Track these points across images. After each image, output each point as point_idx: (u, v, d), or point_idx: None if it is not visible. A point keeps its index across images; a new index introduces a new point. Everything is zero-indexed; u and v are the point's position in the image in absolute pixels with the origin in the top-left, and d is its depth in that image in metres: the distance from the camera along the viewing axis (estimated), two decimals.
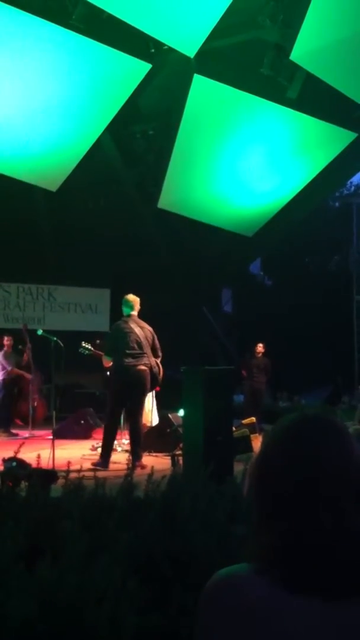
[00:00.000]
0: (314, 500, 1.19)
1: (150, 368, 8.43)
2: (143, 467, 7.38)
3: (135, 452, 8.14)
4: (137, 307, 8.67)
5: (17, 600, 2.45)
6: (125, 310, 8.72)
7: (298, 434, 1.26)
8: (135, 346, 8.35)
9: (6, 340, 12.49)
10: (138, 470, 5.86)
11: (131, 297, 8.76)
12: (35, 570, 2.68)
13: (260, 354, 13.09)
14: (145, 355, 8.39)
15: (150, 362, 8.44)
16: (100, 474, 4.51)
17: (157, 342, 8.64)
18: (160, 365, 8.62)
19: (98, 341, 11.29)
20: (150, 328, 8.63)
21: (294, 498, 1.20)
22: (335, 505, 1.18)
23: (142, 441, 8.58)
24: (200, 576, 1.29)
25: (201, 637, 1.23)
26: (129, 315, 8.61)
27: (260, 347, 13.06)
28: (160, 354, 8.65)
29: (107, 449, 8.36)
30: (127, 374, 8.31)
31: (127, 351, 8.31)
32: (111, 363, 8.57)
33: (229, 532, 3.11)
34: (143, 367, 8.37)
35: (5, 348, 12.49)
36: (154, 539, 3.04)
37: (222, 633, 1.18)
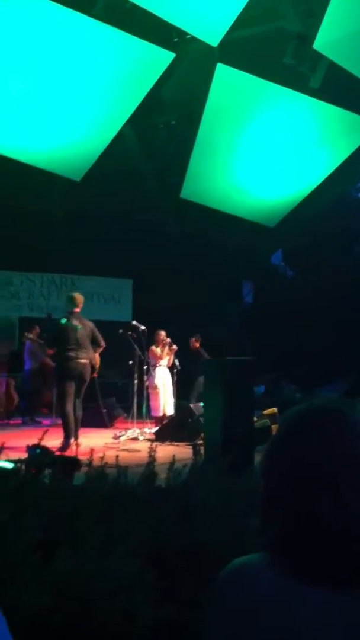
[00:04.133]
0: (317, 489, 1.20)
1: (90, 360, 9.37)
2: (79, 445, 8.44)
3: (74, 432, 9.13)
4: (81, 305, 9.59)
5: (32, 592, 2.48)
6: (70, 306, 9.59)
7: (303, 423, 1.29)
8: (77, 341, 9.26)
9: (36, 330, 12.62)
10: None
11: (77, 295, 9.70)
12: (53, 560, 2.71)
13: None
14: (85, 349, 9.32)
15: (89, 355, 9.38)
16: (122, 461, 4.56)
17: (97, 334, 9.60)
18: (98, 357, 9.59)
19: (121, 330, 11.37)
20: (90, 323, 9.60)
21: (297, 487, 1.22)
22: (337, 495, 1.20)
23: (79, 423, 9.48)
24: (215, 569, 1.32)
25: (213, 625, 1.26)
26: (72, 312, 9.49)
27: None
28: (102, 343, 9.60)
29: (67, 432, 9.10)
30: (69, 366, 9.20)
31: (69, 346, 9.21)
32: (53, 351, 9.63)
33: (244, 524, 3.13)
34: (83, 361, 9.28)
35: (34, 338, 12.62)
36: (169, 531, 3.06)
37: (233, 622, 1.21)
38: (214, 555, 2.83)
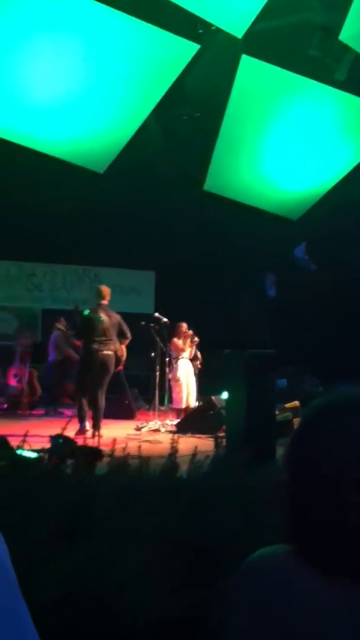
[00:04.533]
0: (324, 486, 1.20)
1: (115, 352, 9.70)
2: (101, 436, 8.80)
3: (96, 423, 9.42)
4: (108, 297, 9.94)
5: (44, 585, 2.49)
6: (96, 298, 10.03)
7: (314, 418, 1.28)
8: (101, 333, 9.56)
9: (62, 322, 12.72)
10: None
11: (103, 288, 10.12)
12: (66, 553, 2.72)
13: None
14: (111, 341, 9.63)
15: (115, 347, 9.70)
16: (144, 453, 4.59)
17: (124, 327, 9.91)
18: (124, 349, 9.91)
19: (143, 323, 11.41)
20: (117, 316, 9.91)
21: (309, 482, 1.22)
22: (343, 493, 1.18)
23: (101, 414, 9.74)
24: (232, 561, 1.33)
25: (234, 617, 1.27)
26: (99, 304, 9.84)
27: None
28: (129, 335, 9.94)
29: (81, 416, 9.66)
30: (94, 357, 9.53)
31: (96, 338, 9.54)
32: (80, 343, 10.11)
33: (263, 516, 3.12)
34: (108, 352, 9.61)
35: (64, 329, 12.72)
36: (182, 525, 3.06)
37: (255, 614, 1.21)
38: (232, 547, 2.82)
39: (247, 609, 1.22)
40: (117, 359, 9.80)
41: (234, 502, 3.39)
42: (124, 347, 9.94)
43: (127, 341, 9.95)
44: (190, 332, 11.81)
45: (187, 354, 11.79)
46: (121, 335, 9.84)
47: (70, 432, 6.16)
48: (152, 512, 3.23)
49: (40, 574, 2.60)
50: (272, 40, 10.95)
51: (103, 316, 9.64)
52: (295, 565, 1.21)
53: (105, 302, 9.89)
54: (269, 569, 1.23)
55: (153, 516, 3.15)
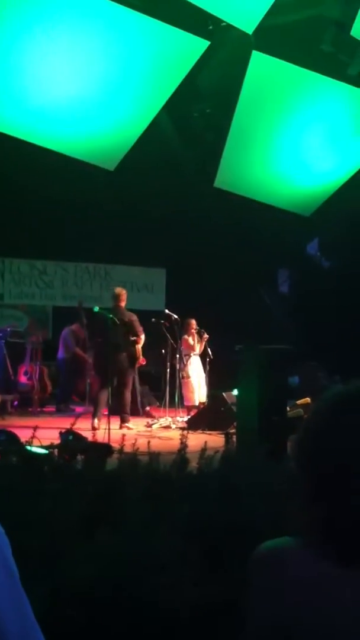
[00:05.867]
0: (346, 474, 1.19)
1: (128, 351, 10.14)
2: (130, 428, 9.68)
3: (122, 417, 10.11)
4: (122, 298, 10.43)
5: (80, 564, 2.50)
6: (112, 300, 10.57)
7: (325, 411, 1.27)
8: (115, 333, 9.87)
9: (76, 326, 12.77)
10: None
11: (117, 289, 10.68)
12: (98, 534, 2.73)
13: None
14: (123, 340, 10.04)
15: (127, 346, 10.12)
16: (154, 449, 4.58)
17: (136, 326, 10.29)
18: (139, 348, 10.32)
19: (153, 319, 11.42)
20: (131, 316, 10.34)
21: (323, 474, 1.21)
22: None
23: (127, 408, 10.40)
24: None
25: (252, 605, 1.27)
26: (113, 306, 10.32)
27: None
28: (139, 334, 10.30)
29: (95, 412, 10.09)
30: (108, 356, 9.88)
31: (109, 337, 9.86)
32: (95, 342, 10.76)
33: (288, 505, 3.11)
34: (121, 352, 9.93)
35: (73, 327, 12.76)
36: (213, 511, 3.07)
37: (270, 602, 1.21)
38: (259, 533, 2.81)
39: (266, 594, 1.22)
40: (132, 358, 10.18)
41: (263, 487, 3.40)
42: (138, 347, 10.27)
43: (138, 339, 10.22)
44: (198, 328, 11.84)
45: (197, 350, 11.80)
46: (133, 334, 10.16)
47: (81, 428, 6.13)
48: (181, 499, 3.24)
49: (78, 552, 2.62)
50: (283, 36, 10.90)
51: (116, 317, 9.86)
52: (310, 555, 1.20)
53: (118, 303, 10.31)
54: (284, 557, 1.23)
55: (184, 501, 3.17)
